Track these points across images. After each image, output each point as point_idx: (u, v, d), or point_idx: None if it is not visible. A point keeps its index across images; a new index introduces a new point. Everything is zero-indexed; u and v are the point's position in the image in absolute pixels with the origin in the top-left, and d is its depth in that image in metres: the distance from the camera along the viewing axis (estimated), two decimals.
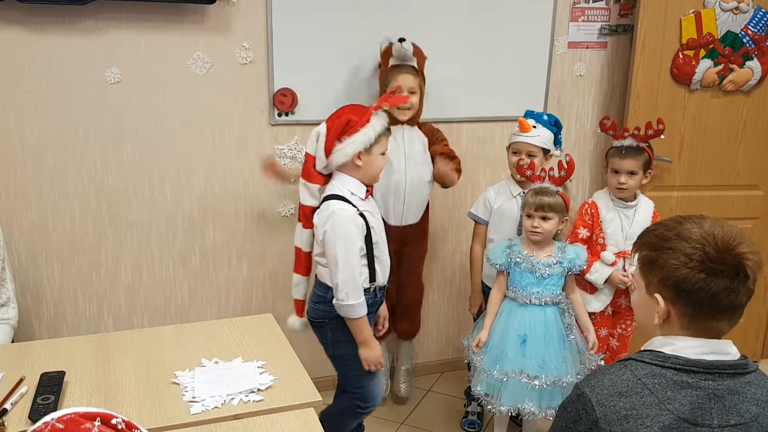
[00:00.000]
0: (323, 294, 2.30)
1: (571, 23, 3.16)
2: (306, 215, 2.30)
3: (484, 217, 2.80)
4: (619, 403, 1.24)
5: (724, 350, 1.28)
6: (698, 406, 1.23)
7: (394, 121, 2.64)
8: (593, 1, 3.16)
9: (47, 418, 0.86)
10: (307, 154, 2.27)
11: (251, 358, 1.87)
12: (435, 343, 3.33)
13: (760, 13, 3.13)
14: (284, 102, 2.84)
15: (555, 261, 2.52)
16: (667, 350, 1.28)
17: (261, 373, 1.79)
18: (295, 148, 2.90)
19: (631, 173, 2.68)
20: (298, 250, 2.39)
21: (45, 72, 2.53)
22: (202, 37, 2.68)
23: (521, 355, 2.47)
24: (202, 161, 2.80)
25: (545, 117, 2.71)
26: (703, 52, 3.12)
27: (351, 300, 2.20)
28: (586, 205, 2.79)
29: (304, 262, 2.40)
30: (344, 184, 2.23)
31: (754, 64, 3.18)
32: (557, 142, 2.76)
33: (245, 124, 2.82)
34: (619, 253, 2.72)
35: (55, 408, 1.60)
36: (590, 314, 2.77)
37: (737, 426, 1.23)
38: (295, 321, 2.51)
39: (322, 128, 2.22)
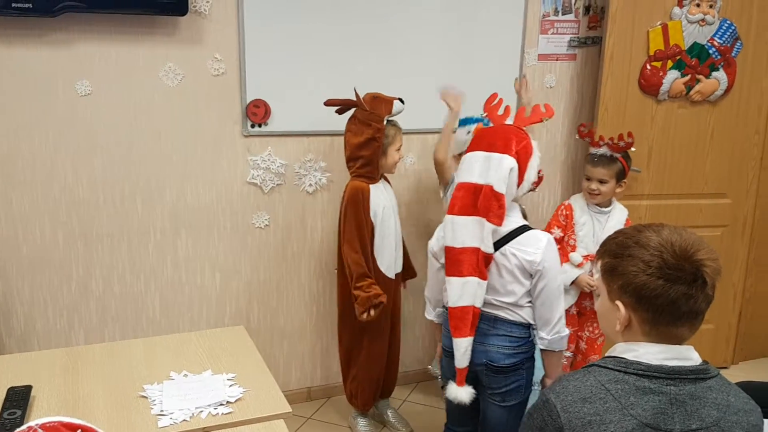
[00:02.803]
0: (525, 334, 2.11)
1: (540, 36, 3.20)
2: (488, 264, 2.04)
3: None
4: (584, 408, 1.25)
5: (686, 356, 1.30)
6: (660, 411, 1.25)
7: (373, 178, 2.66)
8: (562, 14, 3.21)
9: (31, 423, 0.89)
10: (501, 195, 1.99)
11: (221, 371, 1.86)
12: (411, 352, 3.34)
13: (726, 25, 3.20)
14: (257, 113, 2.85)
15: None
16: (630, 356, 1.30)
17: (230, 386, 1.78)
18: (269, 159, 2.90)
19: (602, 181, 2.76)
20: (468, 311, 2.05)
21: (15, 84, 2.51)
22: (174, 48, 2.68)
23: None
24: (173, 172, 2.79)
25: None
26: (670, 64, 3.18)
27: (566, 330, 2.09)
28: (562, 207, 2.88)
29: (476, 320, 2.08)
30: (518, 211, 2.10)
31: (721, 75, 3.25)
32: None
33: (217, 135, 2.82)
34: (588, 256, 2.79)
35: (21, 422, 1.59)
36: None
37: (699, 430, 1.25)
38: (465, 393, 2.10)
39: (511, 162, 2.00)
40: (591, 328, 2.91)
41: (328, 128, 2.93)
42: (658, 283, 1.26)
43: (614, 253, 1.34)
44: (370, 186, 2.66)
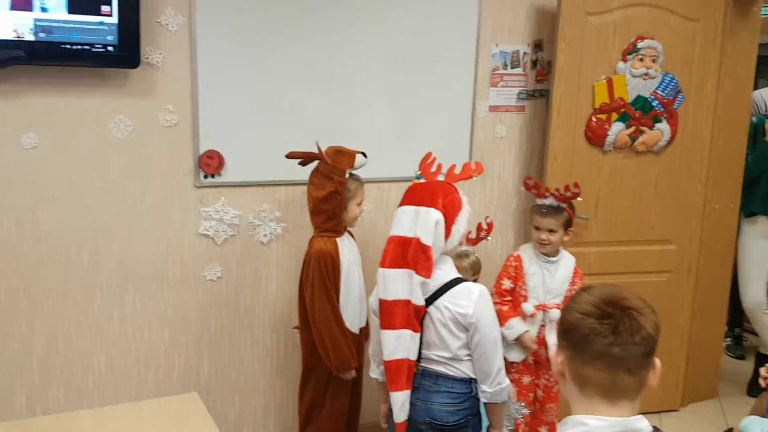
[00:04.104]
0: (467, 390, 2.11)
1: (491, 88, 3.27)
2: (420, 317, 2.06)
3: None
4: None
5: (635, 427, 1.28)
6: None
7: (339, 231, 2.64)
8: (511, 68, 3.29)
9: None
10: (428, 248, 2.02)
11: None
12: (367, 403, 3.29)
13: (668, 78, 3.32)
14: (210, 164, 2.81)
15: None
16: None
17: None
18: (222, 210, 2.86)
19: (551, 231, 2.81)
20: (403, 363, 2.05)
21: None
22: (125, 100, 2.64)
23: None
24: (122, 225, 2.73)
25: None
26: (615, 116, 3.28)
27: (507, 380, 2.08)
28: (512, 258, 2.92)
29: (411, 373, 2.09)
30: (451, 265, 2.11)
31: (664, 126, 3.36)
32: None
33: (168, 186, 2.77)
34: (539, 306, 2.82)
35: None
36: (512, 363, 2.85)
37: None
38: None
39: (437, 215, 2.04)
40: (547, 377, 2.93)
41: (284, 178, 2.92)
42: (574, 315, 1.28)
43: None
44: (337, 241, 2.63)
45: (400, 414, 2.07)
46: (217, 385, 2.99)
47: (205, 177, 2.82)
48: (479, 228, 2.63)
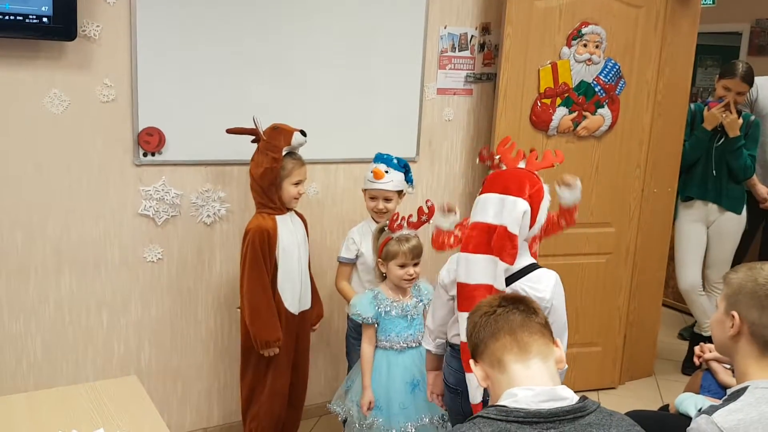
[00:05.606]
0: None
1: (439, 71, 3.27)
2: None
3: (353, 258, 2.86)
4: None
5: (561, 396, 1.38)
6: None
7: (279, 209, 2.62)
8: (459, 51, 3.29)
9: None
10: (515, 236, 2.03)
11: (114, 428, 1.74)
12: (313, 385, 3.27)
13: (610, 64, 3.38)
14: (150, 141, 2.73)
15: (418, 300, 2.60)
16: (510, 403, 1.36)
17: None
18: (163, 189, 2.78)
19: None
20: None
21: None
22: (60, 74, 2.53)
23: (419, 400, 2.49)
24: (57, 205, 2.62)
25: (395, 161, 2.82)
26: (559, 101, 3.33)
27: (566, 364, 2.12)
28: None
29: None
30: (526, 249, 2.11)
31: (605, 112, 3.43)
32: (408, 180, 2.87)
33: (106, 165, 2.68)
34: None
35: None
36: None
37: None
38: None
39: (525, 205, 2.03)
40: None
41: (227, 157, 2.85)
42: (470, 320, 1.55)
43: None
44: (277, 218, 2.60)
45: (476, 395, 2.10)
46: (158, 369, 2.93)
47: (145, 155, 2.73)
48: (420, 212, 2.63)
